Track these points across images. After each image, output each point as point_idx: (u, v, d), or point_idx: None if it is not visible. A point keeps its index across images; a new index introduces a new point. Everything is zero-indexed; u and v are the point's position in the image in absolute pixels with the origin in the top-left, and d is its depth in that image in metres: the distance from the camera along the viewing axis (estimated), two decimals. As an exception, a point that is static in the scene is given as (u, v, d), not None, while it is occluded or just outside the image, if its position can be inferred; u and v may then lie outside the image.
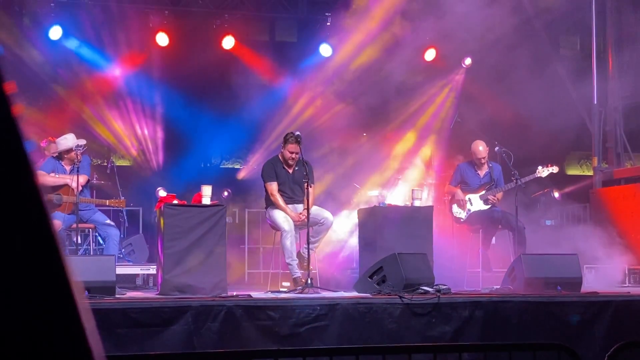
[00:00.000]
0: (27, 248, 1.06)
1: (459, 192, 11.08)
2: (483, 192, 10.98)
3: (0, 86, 1.06)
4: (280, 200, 9.87)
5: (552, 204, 12.50)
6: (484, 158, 10.96)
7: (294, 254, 9.70)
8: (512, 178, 10.44)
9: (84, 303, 1.10)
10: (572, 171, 14.03)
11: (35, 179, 1.08)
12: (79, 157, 9.63)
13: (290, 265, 9.67)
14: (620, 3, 13.97)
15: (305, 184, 9.51)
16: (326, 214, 9.90)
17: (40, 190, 1.08)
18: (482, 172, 11.10)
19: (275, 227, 9.87)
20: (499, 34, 13.07)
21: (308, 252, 9.49)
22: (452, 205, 11.26)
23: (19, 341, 1.04)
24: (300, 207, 9.92)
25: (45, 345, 1.05)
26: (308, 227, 9.48)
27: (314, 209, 9.63)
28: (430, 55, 14.19)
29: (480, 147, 10.94)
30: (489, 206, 10.89)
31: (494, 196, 10.83)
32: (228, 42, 13.59)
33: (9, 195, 1.06)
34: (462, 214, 11.07)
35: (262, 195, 10.27)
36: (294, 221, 9.79)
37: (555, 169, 10.84)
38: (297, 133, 9.88)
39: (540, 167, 10.79)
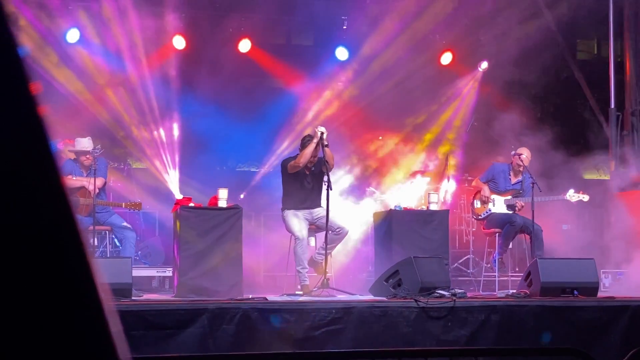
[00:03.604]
0: (54, 249, 1.07)
1: (486, 188, 11.02)
2: (509, 197, 10.92)
3: (27, 87, 1.07)
4: (306, 150, 9.78)
5: (569, 208, 12.45)
6: (522, 167, 10.88)
7: (305, 262, 9.66)
8: (533, 184, 10.37)
9: (110, 304, 1.11)
10: (589, 175, 13.98)
11: (61, 179, 1.09)
12: (95, 160, 9.68)
13: (300, 272, 9.64)
14: (639, 7, 13.91)
15: (326, 188, 9.47)
16: (342, 222, 9.86)
17: (67, 190, 1.09)
18: (515, 178, 11.02)
19: (290, 232, 9.85)
20: (515, 37, 13.03)
21: (325, 256, 9.49)
22: (474, 199, 11.20)
23: (46, 342, 1.05)
24: (316, 211, 9.89)
25: (72, 345, 1.06)
26: (327, 232, 9.48)
27: (331, 215, 9.59)
28: (446, 58, 14.16)
29: (524, 155, 10.86)
30: (511, 211, 10.83)
31: (521, 203, 10.76)
32: (244, 46, 13.60)
33: (37, 195, 1.07)
34: (482, 211, 11.01)
35: (279, 197, 10.25)
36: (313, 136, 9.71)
37: (586, 197, 10.79)
38: (322, 129, 9.74)
39: (572, 191, 10.75)
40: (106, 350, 1.07)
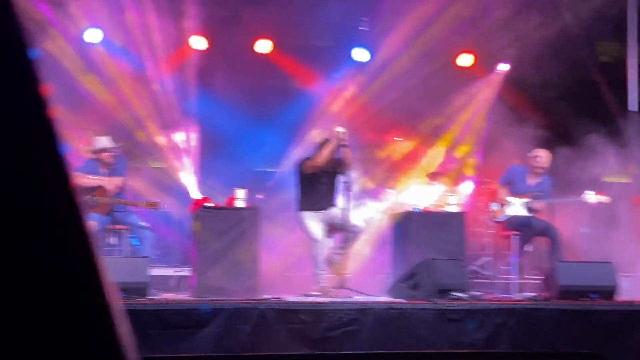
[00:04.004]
0: (61, 248, 1.07)
1: (503, 191, 10.98)
2: (527, 199, 10.86)
3: (37, 89, 1.07)
4: (324, 151, 9.75)
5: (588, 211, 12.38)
6: (541, 168, 10.84)
7: (322, 264, 9.65)
8: (552, 187, 10.32)
9: (118, 304, 1.11)
10: (608, 178, 13.89)
11: (70, 181, 1.09)
12: (115, 159, 9.72)
13: (318, 274, 9.63)
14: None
15: (344, 188, 9.45)
16: (357, 220, 9.84)
17: (76, 192, 1.09)
18: (534, 180, 10.97)
19: (306, 233, 9.83)
20: (535, 39, 12.98)
21: (343, 257, 9.48)
22: (492, 202, 11.16)
23: (52, 342, 1.05)
24: (331, 211, 9.87)
25: (78, 345, 1.07)
26: (345, 232, 9.47)
27: (345, 214, 9.57)
28: (465, 60, 14.12)
29: (540, 158, 10.81)
30: (529, 214, 10.78)
31: (539, 205, 10.71)
32: (264, 46, 13.61)
33: (46, 197, 1.07)
34: (500, 214, 10.97)
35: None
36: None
37: (605, 199, 10.71)
38: (342, 130, 9.71)
39: (590, 192, 10.67)
40: (113, 350, 1.08)
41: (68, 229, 1.08)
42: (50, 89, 1.09)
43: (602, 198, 10.74)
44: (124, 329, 1.10)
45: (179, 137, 13.10)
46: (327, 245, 9.96)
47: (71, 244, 1.08)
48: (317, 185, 9.89)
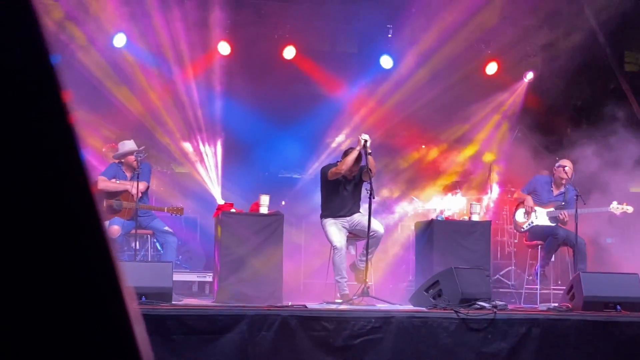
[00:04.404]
0: (81, 253, 1.08)
1: (529, 199, 10.93)
2: (551, 209, 10.81)
3: (58, 95, 1.07)
4: (349, 157, 9.71)
5: (614, 221, 12.30)
6: (565, 179, 10.79)
7: (344, 272, 9.62)
8: (577, 197, 10.24)
9: (135, 309, 1.11)
10: (635, 188, 13.79)
11: (90, 187, 1.09)
12: (139, 163, 9.75)
13: (339, 282, 9.61)
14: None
15: (368, 196, 9.42)
16: (377, 226, 9.77)
17: (96, 197, 1.10)
18: (558, 190, 10.93)
19: (329, 240, 9.82)
20: (562, 48, 12.92)
21: (366, 264, 9.46)
22: (517, 210, 11.11)
23: (70, 345, 1.05)
24: (354, 218, 9.85)
25: (96, 348, 1.07)
26: (368, 239, 9.45)
27: (364, 220, 9.55)
28: (491, 68, 14.07)
29: (566, 168, 10.75)
30: (554, 224, 10.72)
31: (565, 215, 10.64)
32: (289, 52, 13.63)
33: (66, 203, 1.07)
34: (525, 223, 10.92)
35: (320, 204, 10.22)
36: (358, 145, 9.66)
37: (630, 209, 10.66)
38: (366, 137, 9.68)
39: (615, 203, 10.64)
40: (130, 354, 1.07)
41: (87, 234, 1.09)
42: (71, 94, 1.09)
43: (627, 208, 10.67)
44: (141, 333, 1.09)
45: (204, 142, 13.14)
46: (350, 252, 9.95)
47: (90, 249, 1.08)
48: (340, 193, 9.88)
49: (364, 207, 9.88)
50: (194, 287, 11.31)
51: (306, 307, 8.41)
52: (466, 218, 10.94)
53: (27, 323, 1.03)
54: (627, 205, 10.70)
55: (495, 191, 13.14)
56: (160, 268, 8.73)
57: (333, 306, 8.86)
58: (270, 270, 9.12)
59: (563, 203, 10.77)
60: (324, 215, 9.90)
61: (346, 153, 9.81)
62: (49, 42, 1.07)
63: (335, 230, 9.72)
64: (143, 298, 8.08)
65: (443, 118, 13.78)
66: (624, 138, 12.22)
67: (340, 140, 13.60)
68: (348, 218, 9.84)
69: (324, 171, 9.93)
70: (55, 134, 1.07)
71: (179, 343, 7.55)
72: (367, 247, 9.49)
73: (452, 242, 10.04)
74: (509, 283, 11.92)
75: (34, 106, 1.07)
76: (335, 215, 9.82)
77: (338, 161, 9.90)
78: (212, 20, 12.86)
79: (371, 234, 9.53)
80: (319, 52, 14.31)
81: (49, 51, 1.07)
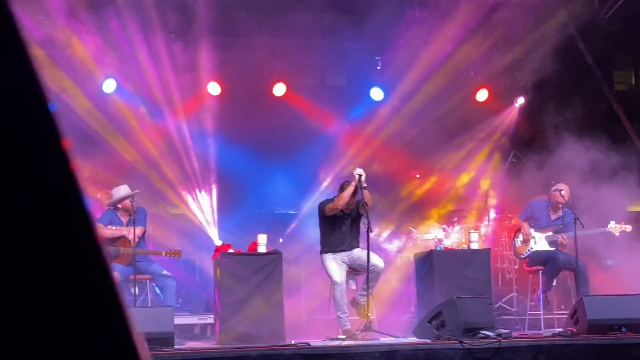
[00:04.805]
0: (91, 301, 1.07)
1: (525, 226, 10.90)
2: (550, 233, 10.78)
3: (58, 142, 1.06)
4: (345, 193, 9.68)
5: (613, 242, 12.27)
6: (562, 203, 10.76)
7: (344, 307, 9.57)
8: (575, 220, 10.21)
9: (146, 355, 1.12)
10: (633, 207, 13.78)
11: (95, 234, 1.09)
12: (134, 207, 9.72)
13: (340, 318, 9.55)
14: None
15: (365, 230, 9.39)
16: (376, 260, 9.73)
17: (102, 244, 1.09)
18: (555, 214, 10.91)
19: (329, 276, 9.77)
20: (551, 71, 12.96)
21: (367, 299, 9.41)
22: (515, 238, 11.07)
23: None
24: (353, 252, 9.80)
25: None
26: (368, 273, 9.40)
27: (364, 255, 9.51)
28: (482, 95, 14.11)
29: (563, 192, 10.72)
30: (553, 248, 10.68)
31: (564, 239, 10.61)
32: (279, 89, 13.66)
33: (72, 251, 1.07)
34: (524, 250, 10.88)
35: (317, 240, 10.18)
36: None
37: (629, 228, 10.64)
38: (360, 171, 9.67)
39: (613, 223, 10.63)
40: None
41: (96, 282, 1.08)
42: (69, 142, 1.08)
43: (626, 227, 10.65)
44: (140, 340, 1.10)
45: (198, 183, 13.12)
46: (351, 287, 9.89)
47: (99, 297, 1.08)
48: (338, 227, 9.85)
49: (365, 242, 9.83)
50: (196, 330, 11.23)
51: (309, 344, 8.35)
52: (465, 247, 10.89)
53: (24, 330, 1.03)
54: (625, 224, 10.68)
55: (492, 218, 13.11)
56: (161, 313, 8.67)
57: (336, 342, 8.80)
58: (271, 309, 9.08)
59: (561, 227, 10.75)
60: (323, 251, 9.87)
61: (342, 188, 9.80)
62: (47, 90, 1.06)
63: (335, 266, 9.68)
64: (145, 344, 8.00)
65: (436, 147, 13.79)
66: (618, 157, 12.23)
67: (335, 172, 13.57)
68: (347, 252, 9.79)
69: (321, 207, 9.91)
70: (57, 182, 1.05)
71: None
72: (367, 281, 9.43)
73: (453, 272, 10.00)
74: (512, 310, 11.86)
75: (36, 155, 1.06)
76: (334, 250, 9.78)
77: (335, 196, 9.89)
78: (201, 61, 12.89)
79: (371, 268, 9.48)
80: (309, 86, 14.35)
81: (47, 99, 1.06)
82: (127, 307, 1.09)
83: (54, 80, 12.02)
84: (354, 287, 10.12)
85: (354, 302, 9.80)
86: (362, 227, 9.63)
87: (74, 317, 1.05)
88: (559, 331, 9.35)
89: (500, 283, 12.41)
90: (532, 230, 10.87)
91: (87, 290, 1.07)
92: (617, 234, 10.69)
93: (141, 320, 8.26)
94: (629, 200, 12.15)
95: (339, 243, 9.81)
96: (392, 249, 12.68)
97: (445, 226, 12.43)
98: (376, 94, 13.96)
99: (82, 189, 1.08)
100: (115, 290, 1.08)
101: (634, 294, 9.42)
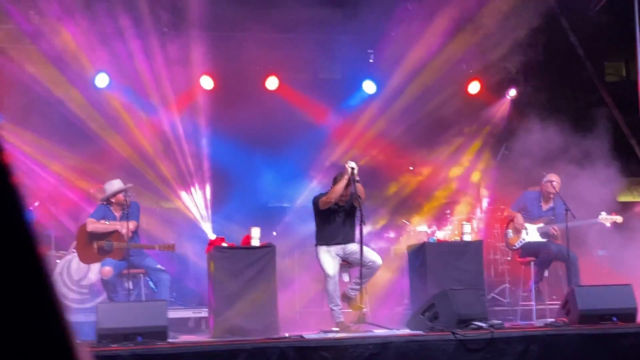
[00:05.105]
0: (30, 315, 1.05)
1: (519, 216, 10.93)
2: (541, 224, 10.83)
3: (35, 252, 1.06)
4: (337, 186, 9.70)
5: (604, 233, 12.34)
6: (553, 194, 10.80)
7: (337, 300, 9.60)
8: (566, 211, 10.26)
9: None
10: (623, 198, 13.86)
11: (37, 249, 1.07)
12: (127, 201, 9.74)
13: (333, 310, 9.59)
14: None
15: (359, 223, 9.44)
16: (374, 256, 9.76)
17: (44, 259, 1.07)
18: (547, 205, 10.95)
19: (322, 269, 9.80)
20: (542, 63, 13.01)
21: (360, 291, 9.45)
22: (507, 229, 11.11)
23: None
24: (348, 247, 9.84)
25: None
26: (361, 267, 9.44)
27: (362, 249, 9.54)
28: (474, 87, 14.15)
29: (554, 182, 10.76)
30: (545, 239, 10.74)
31: (555, 230, 10.66)
32: (272, 83, 13.68)
33: (11, 267, 1.05)
34: (517, 241, 10.92)
35: (311, 233, 10.22)
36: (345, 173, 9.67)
37: (619, 219, 10.69)
38: (352, 164, 9.70)
39: (604, 214, 10.67)
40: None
41: (35, 299, 1.05)
42: (9, 156, 1.07)
43: (617, 218, 10.70)
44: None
45: (191, 176, 13.14)
46: (344, 280, 9.94)
47: (39, 313, 1.05)
48: (333, 220, 9.88)
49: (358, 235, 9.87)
50: (190, 324, 11.26)
51: (303, 337, 8.40)
52: (458, 239, 10.94)
53: None
54: (616, 215, 10.73)
55: (485, 209, 13.17)
56: (154, 307, 8.70)
57: (330, 335, 8.84)
58: (265, 302, 9.11)
59: (553, 217, 10.80)
60: (318, 244, 9.90)
61: (335, 181, 9.82)
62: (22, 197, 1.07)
63: (328, 258, 9.71)
64: (139, 338, 8.04)
65: (429, 139, 13.83)
66: (609, 148, 12.29)
67: (328, 165, 13.59)
68: (342, 246, 9.83)
69: (315, 201, 9.94)
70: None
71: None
72: (360, 276, 9.48)
73: (445, 264, 10.04)
74: (504, 301, 11.93)
75: None
76: (328, 243, 9.81)
77: (328, 190, 9.92)
78: (193, 55, 12.90)
79: (369, 264, 9.53)
80: (302, 80, 14.36)
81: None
82: (69, 322, 1.07)
83: (45, 75, 12.03)
84: (346, 279, 10.15)
85: (344, 296, 9.82)
86: (357, 220, 9.66)
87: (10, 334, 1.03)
88: (551, 321, 9.43)
89: (492, 274, 12.48)
90: (523, 222, 10.92)
91: (27, 308, 1.04)
92: (608, 224, 10.75)
93: (135, 314, 8.31)
94: (619, 191, 12.21)
95: (333, 236, 9.85)
96: (385, 241, 12.73)
97: (434, 227, 12.45)
98: (369, 87, 13.99)
99: (24, 203, 1.06)
100: (58, 307, 1.06)
101: (625, 284, 9.48)
